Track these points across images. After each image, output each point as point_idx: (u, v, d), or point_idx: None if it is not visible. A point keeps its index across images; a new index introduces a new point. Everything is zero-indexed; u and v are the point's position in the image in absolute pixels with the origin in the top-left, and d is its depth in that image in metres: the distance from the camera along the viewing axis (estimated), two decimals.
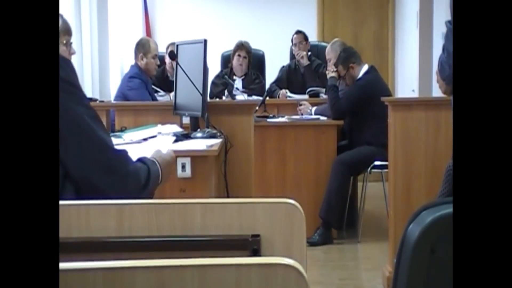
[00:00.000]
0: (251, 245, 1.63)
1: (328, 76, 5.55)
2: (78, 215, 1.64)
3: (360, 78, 5.43)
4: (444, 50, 2.49)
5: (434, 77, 2.70)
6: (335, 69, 5.52)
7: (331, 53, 5.82)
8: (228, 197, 3.70)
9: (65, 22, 2.30)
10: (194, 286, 1.10)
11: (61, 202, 1.60)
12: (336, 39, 6.11)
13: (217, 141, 3.49)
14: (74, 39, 2.38)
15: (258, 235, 1.63)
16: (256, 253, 1.61)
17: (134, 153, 2.17)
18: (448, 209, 1.41)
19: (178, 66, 3.88)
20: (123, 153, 2.03)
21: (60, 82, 1.77)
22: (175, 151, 3.20)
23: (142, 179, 2.04)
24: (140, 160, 2.13)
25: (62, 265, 1.08)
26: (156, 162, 2.17)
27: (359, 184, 5.73)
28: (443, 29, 2.65)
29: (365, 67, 5.49)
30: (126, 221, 1.63)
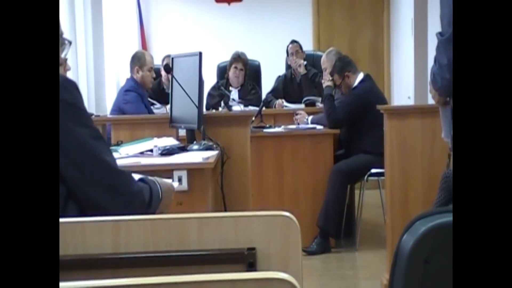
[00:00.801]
0: (247, 258, 1.63)
1: (324, 86, 5.57)
2: (73, 232, 1.64)
3: (356, 87, 5.45)
4: (436, 62, 2.50)
5: (429, 85, 2.72)
6: (330, 78, 5.54)
7: (326, 62, 5.84)
8: (225, 209, 3.70)
9: (61, 37, 2.31)
10: None
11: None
12: (331, 48, 6.13)
13: (213, 153, 3.49)
14: (69, 54, 2.38)
15: (254, 249, 1.64)
16: (252, 266, 1.61)
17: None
18: (442, 219, 1.42)
19: (174, 79, 3.89)
20: (127, 173, 2.04)
21: (64, 105, 1.84)
22: (171, 164, 3.22)
23: (146, 198, 2.06)
24: (141, 179, 2.14)
25: (61, 285, 1.09)
26: (157, 182, 2.18)
27: (356, 192, 5.74)
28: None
29: (360, 76, 5.50)
30: (122, 238, 1.64)
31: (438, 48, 2.47)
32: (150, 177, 2.20)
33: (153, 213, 2.12)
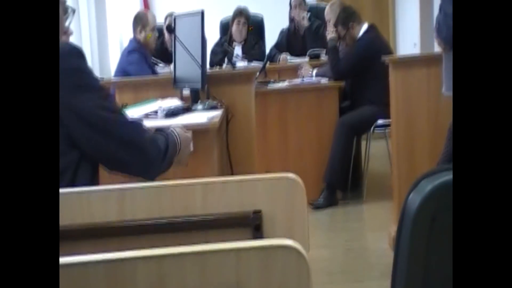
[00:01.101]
0: (253, 221, 1.64)
1: (327, 38, 5.52)
2: (80, 202, 1.65)
3: (360, 38, 5.39)
4: (441, 10, 2.47)
5: (435, 33, 2.68)
6: (334, 30, 5.48)
7: (330, 14, 5.78)
8: (231, 168, 3.70)
9: (64, 4, 2.29)
10: (194, 272, 1.11)
11: (62, 190, 1.62)
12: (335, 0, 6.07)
13: (218, 112, 3.48)
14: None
15: (259, 212, 1.64)
16: (258, 230, 1.62)
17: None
18: (448, 177, 1.41)
19: (176, 39, 3.86)
20: (138, 124, 2.12)
21: (73, 71, 1.93)
22: (176, 126, 3.21)
23: (161, 145, 2.14)
24: (158, 130, 2.20)
25: (62, 260, 1.09)
26: (174, 131, 2.24)
27: (363, 143, 5.73)
28: None
29: (365, 26, 5.45)
30: (128, 205, 1.64)
31: None
32: (168, 128, 2.26)
33: (171, 161, 2.19)
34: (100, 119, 1.98)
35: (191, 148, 2.39)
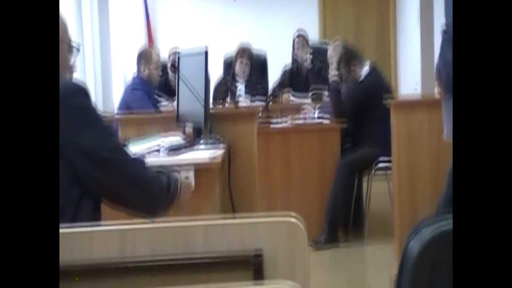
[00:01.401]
0: (254, 263, 1.63)
1: (330, 80, 5.55)
2: (80, 240, 1.65)
3: (362, 80, 5.43)
4: (441, 58, 2.50)
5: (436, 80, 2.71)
6: (336, 73, 5.52)
7: (333, 54, 5.83)
8: (233, 207, 3.70)
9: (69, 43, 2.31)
10: None
11: (63, 228, 1.62)
12: (337, 41, 6.12)
13: (220, 151, 3.49)
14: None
15: (260, 255, 1.64)
16: (258, 272, 1.62)
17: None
18: (448, 225, 1.42)
19: (180, 77, 3.89)
20: (141, 161, 2.15)
21: (78, 109, 1.97)
22: (178, 164, 3.23)
23: (163, 183, 2.16)
24: (159, 170, 2.22)
25: None
26: (175, 176, 2.27)
27: (364, 183, 5.73)
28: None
29: (367, 67, 5.49)
30: (129, 245, 1.64)
31: (442, 45, 2.47)
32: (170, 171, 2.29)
33: (173, 200, 2.20)
34: (104, 157, 2.00)
35: (190, 195, 2.40)
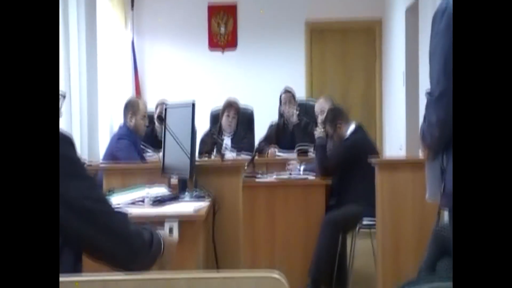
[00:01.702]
0: None
1: (316, 136, 5.60)
2: None
3: (347, 137, 5.47)
4: (425, 119, 2.53)
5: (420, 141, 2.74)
6: (322, 129, 5.57)
7: (319, 110, 5.92)
8: (216, 260, 3.68)
9: None
10: None
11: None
12: (325, 96, 6.24)
13: (205, 203, 3.49)
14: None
15: None
16: None
17: None
18: (429, 287, 1.43)
19: (167, 129, 3.91)
20: (123, 214, 2.10)
21: (61, 160, 1.87)
22: (162, 215, 3.22)
23: (146, 239, 2.12)
24: (143, 227, 2.19)
25: None
26: (160, 233, 2.23)
27: (348, 240, 5.71)
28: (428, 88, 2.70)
29: (352, 126, 5.53)
30: None
31: (427, 106, 2.51)
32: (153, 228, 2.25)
33: (155, 257, 2.16)
34: (86, 209, 1.98)
35: (174, 253, 2.37)
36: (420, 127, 2.63)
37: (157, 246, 2.18)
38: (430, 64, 2.47)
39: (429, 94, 2.47)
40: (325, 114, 5.84)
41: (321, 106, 6.09)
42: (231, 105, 6.66)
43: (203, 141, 6.60)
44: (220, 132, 6.66)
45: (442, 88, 2.38)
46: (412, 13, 6.66)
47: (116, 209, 2.11)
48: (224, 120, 6.66)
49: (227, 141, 6.61)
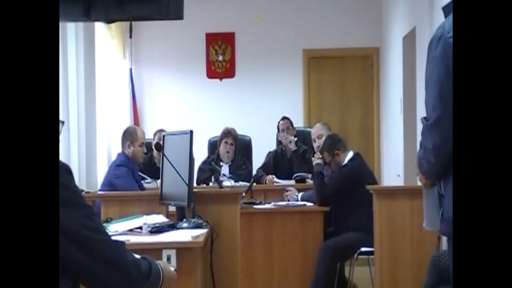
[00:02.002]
0: None
1: (314, 163, 5.62)
2: None
3: (345, 165, 5.49)
4: (422, 146, 2.54)
5: (416, 168, 2.75)
6: (320, 156, 5.59)
7: (322, 131, 6.03)
8: None
9: None
10: None
11: None
12: (321, 122, 6.33)
13: (202, 231, 3.49)
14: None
15: None
16: None
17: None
18: None
19: (164, 157, 3.92)
20: (121, 245, 2.09)
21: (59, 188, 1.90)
22: (160, 243, 3.22)
23: (143, 269, 2.10)
24: (142, 257, 2.18)
25: None
26: (159, 264, 2.21)
27: (346, 268, 5.69)
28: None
29: (350, 154, 5.55)
30: None
31: (423, 133, 2.51)
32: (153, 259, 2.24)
33: None
34: (83, 238, 1.96)
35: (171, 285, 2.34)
36: (417, 153, 2.63)
37: (155, 277, 2.16)
38: (426, 90, 2.48)
39: (425, 119, 2.48)
40: (322, 139, 5.89)
41: (318, 131, 6.15)
42: (229, 133, 6.68)
43: (201, 169, 6.60)
44: (218, 160, 6.67)
45: (437, 114, 2.38)
46: (409, 41, 6.70)
47: (113, 239, 2.10)
48: (222, 148, 6.68)
49: (225, 169, 6.62)
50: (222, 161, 6.69)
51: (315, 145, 6.12)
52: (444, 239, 2.67)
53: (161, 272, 2.19)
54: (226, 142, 6.66)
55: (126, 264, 2.05)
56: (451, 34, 2.28)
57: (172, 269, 2.31)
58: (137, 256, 2.16)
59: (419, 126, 2.58)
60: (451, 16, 2.34)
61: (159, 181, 4.35)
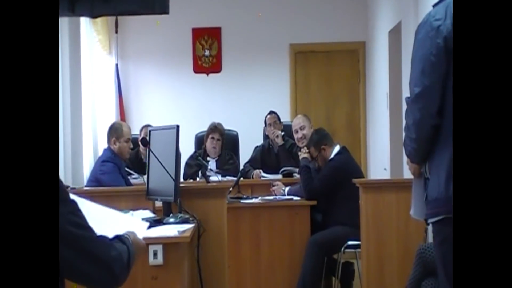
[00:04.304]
0: None
1: (300, 157, 5.62)
2: None
3: (332, 159, 5.49)
4: (405, 125, 2.59)
5: (405, 156, 2.78)
6: (307, 151, 5.60)
7: (305, 122, 6.06)
8: (201, 283, 3.67)
9: None
10: None
11: None
12: (303, 114, 6.35)
13: (189, 226, 3.49)
14: None
15: None
16: None
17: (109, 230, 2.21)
18: None
19: (151, 152, 3.91)
20: (106, 240, 2.09)
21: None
22: (147, 238, 3.21)
23: (125, 260, 2.11)
24: (119, 238, 2.18)
25: None
26: (130, 239, 2.22)
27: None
28: None
29: (336, 148, 5.55)
30: None
31: (406, 111, 2.57)
32: (125, 234, 2.22)
33: (129, 271, 2.16)
34: (68, 234, 1.95)
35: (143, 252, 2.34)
36: (403, 141, 2.67)
37: (133, 260, 2.18)
38: (411, 71, 2.55)
39: (409, 98, 2.54)
40: (304, 130, 5.91)
41: (300, 122, 6.14)
42: (215, 128, 6.68)
43: (187, 164, 6.60)
44: (205, 155, 6.67)
45: (418, 90, 2.47)
46: (395, 35, 6.72)
47: (98, 235, 2.09)
48: (209, 144, 6.67)
49: (212, 164, 6.61)
50: (209, 156, 6.69)
51: (296, 135, 6.13)
52: (431, 230, 2.70)
53: (134, 250, 2.19)
54: (212, 138, 6.65)
55: (110, 261, 2.05)
56: (436, 17, 2.41)
57: (140, 237, 2.31)
58: (114, 237, 2.15)
59: (405, 121, 2.61)
60: (438, 6, 2.47)
61: (145, 176, 4.35)
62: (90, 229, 2.07)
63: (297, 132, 6.17)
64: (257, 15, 8.62)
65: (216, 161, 6.67)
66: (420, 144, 2.50)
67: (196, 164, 6.34)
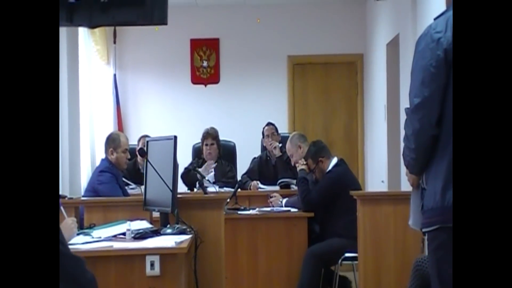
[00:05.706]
0: None
1: (298, 169, 5.62)
2: None
3: (330, 171, 5.49)
4: (404, 135, 2.60)
5: (403, 168, 2.80)
6: (304, 162, 5.59)
7: (292, 149, 5.91)
8: None
9: None
10: None
11: None
12: (293, 133, 6.25)
13: (186, 237, 3.48)
14: None
15: None
16: None
17: None
18: None
19: (148, 163, 3.91)
20: (81, 260, 2.08)
21: None
22: (143, 249, 3.21)
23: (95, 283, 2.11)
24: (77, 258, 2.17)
25: None
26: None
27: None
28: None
29: (334, 160, 5.55)
30: None
31: (405, 121, 2.59)
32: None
33: None
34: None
35: None
36: (401, 153, 2.68)
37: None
38: (411, 81, 2.57)
39: (408, 109, 2.56)
40: (294, 158, 5.81)
41: (289, 149, 5.90)
42: (207, 134, 6.71)
43: (185, 173, 6.59)
44: (203, 163, 6.67)
45: (418, 101, 2.48)
46: (393, 47, 6.74)
47: (74, 254, 2.08)
48: (205, 151, 6.69)
49: (210, 175, 6.60)
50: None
51: (292, 160, 5.95)
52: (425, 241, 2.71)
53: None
54: (206, 144, 6.68)
55: (84, 282, 2.05)
56: (436, 30, 2.44)
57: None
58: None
59: (403, 133, 2.63)
60: (439, 19, 2.50)
61: (143, 187, 4.34)
62: (66, 247, 2.05)
63: (292, 156, 6.01)
64: (255, 27, 8.64)
65: (215, 171, 6.65)
66: (419, 154, 2.52)
67: (194, 173, 6.33)
